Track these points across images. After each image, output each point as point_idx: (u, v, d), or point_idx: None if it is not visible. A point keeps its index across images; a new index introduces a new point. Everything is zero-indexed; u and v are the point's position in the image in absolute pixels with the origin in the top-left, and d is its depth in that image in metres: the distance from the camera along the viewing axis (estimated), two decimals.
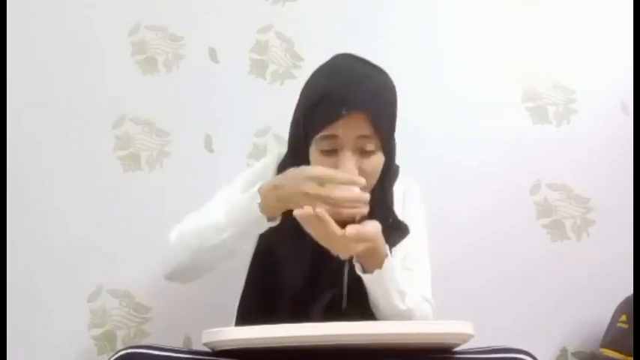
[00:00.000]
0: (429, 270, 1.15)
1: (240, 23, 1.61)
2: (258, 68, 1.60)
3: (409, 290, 1.01)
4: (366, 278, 0.97)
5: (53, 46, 1.58)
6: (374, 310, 1.02)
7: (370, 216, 0.96)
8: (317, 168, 0.93)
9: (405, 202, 1.17)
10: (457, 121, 1.57)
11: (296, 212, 0.88)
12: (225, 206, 1.01)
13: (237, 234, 0.98)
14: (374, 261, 0.96)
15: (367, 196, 0.92)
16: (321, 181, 0.89)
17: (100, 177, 1.52)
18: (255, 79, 1.59)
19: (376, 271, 0.96)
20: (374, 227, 0.94)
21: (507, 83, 1.60)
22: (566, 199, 1.56)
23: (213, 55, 1.60)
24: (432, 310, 1.08)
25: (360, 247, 0.91)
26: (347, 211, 0.90)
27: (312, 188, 0.89)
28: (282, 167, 1.08)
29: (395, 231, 1.07)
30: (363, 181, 0.92)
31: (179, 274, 1.07)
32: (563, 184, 1.56)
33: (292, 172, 0.94)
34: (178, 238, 1.05)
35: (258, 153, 1.53)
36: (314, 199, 0.88)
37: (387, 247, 0.98)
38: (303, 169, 0.92)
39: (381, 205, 1.06)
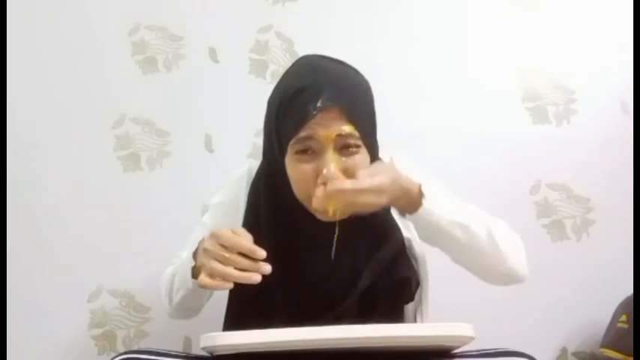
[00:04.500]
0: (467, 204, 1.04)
1: (240, 23, 1.61)
2: (258, 68, 1.60)
3: (471, 222, 0.95)
4: (411, 220, 0.94)
5: (53, 46, 1.58)
6: (460, 263, 0.99)
7: (358, 217, 0.93)
8: (224, 231, 0.87)
9: None
10: (457, 121, 1.57)
11: (199, 282, 0.86)
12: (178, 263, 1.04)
13: (188, 294, 1.00)
14: (408, 205, 0.92)
15: (266, 268, 0.84)
16: (224, 242, 0.85)
17: (100, 177, 1.53)
18: (255, 79, 1.59)
19: (415, 215, 0.92)
20: (385, 176, 0.88)
21: (507, 83, 1.60)
22: (566, 199, 1.56)
23: (213, 55, 1.60)
24: (515, 235, 1.02)
25: (380, 198, 0.87)
26: (239, 275, 0.84)
27: (212, 245, 0.86)
28: (256, 184, 1.05)
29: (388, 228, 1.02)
30: (263, 253, 0.84)
31: (175, 316, 1.14)
32: (563, 184, 1.56)
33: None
34: (161, 288, 1.11)
35: (258, 153, 1.52)
36: (210, 256, 0.85)
37: (420, 185, 0.93)
38: (214, 229, 0.89)
39: None
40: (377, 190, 0.86)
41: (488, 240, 0.96)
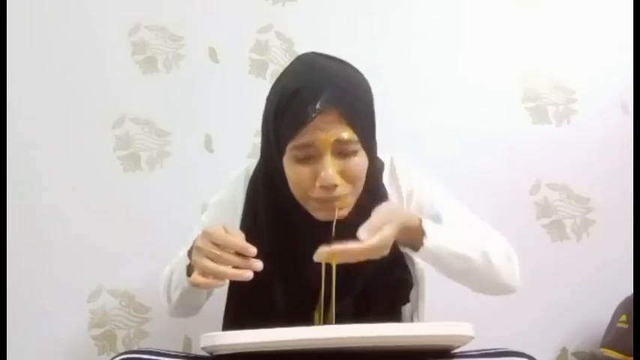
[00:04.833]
0: (477, 219, 1.05)
1: (240, 23, 1.61)
2: (258, 68, 1.60)
3: (469, 250, 0.94)
4: (411, 255, 0.95)
5: (53, 46, 1.58)
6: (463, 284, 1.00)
7: (356, 218, 0.92)
8: (215, 229, 0.86)
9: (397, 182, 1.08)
10: (457, 121, 1.57)
11: (192, 280, 0.86)
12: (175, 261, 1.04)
13: (185, 292, 1.00)
14: (409, 242, 0.92)
15: (257, 265, 0.84)
16: (216, 240, 0.84)
17: (100, 177, 1.53)
18: (255, 79, 1.59)
19: (416, 252, 0.92)
20: (388, 227, 0.87)
21: (507, 83, 1.60)
22: (566, 199, 1.56)
23: (213, 55, 1.60)
24: (509, 248, 1.01)
25: (385, 251, 0.87)
26: (232, 273, 0.83)
27: (204, 243, 0.85)
28: (254, 182, 1.05)
29: None
30: (254, 251, 0.84)
31: (174, 315, 1.13)
32: (563, 184, 1.56)
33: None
34: (160, 287, 1.10)
35: (257, 153, 1.52)
36: (203, 254, 0.85)
37: (421, 222, 0.92)
38: (206, 227, 0.88)
39: (366, 210, 0.95)
40: (381, 247, 0.86)
41: (483, 261, 0.96)
